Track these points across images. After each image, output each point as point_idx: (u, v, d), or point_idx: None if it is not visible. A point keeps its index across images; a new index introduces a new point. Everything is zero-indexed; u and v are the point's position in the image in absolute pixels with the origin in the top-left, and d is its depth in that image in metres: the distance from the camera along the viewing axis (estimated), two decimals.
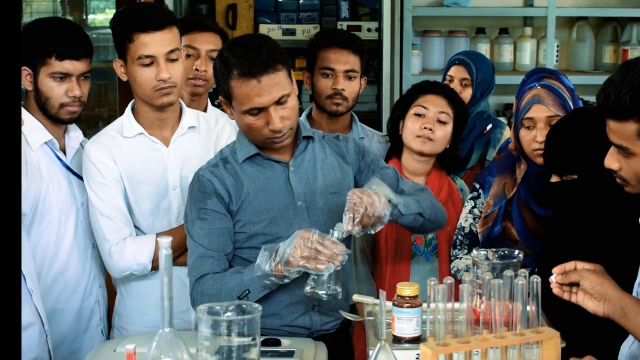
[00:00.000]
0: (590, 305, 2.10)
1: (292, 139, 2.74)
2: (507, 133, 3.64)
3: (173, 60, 2.91)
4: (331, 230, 2.51)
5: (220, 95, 2.71)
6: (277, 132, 2.62)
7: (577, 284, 2.12)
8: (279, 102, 2.60)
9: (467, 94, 3.75)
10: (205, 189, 2.66)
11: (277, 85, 2.60)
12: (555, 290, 2.16)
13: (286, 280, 2.50)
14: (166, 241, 2.03)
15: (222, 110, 3.39)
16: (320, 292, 2.45)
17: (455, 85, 3.71)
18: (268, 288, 2.54)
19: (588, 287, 2.11)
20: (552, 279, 2.16)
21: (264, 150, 2.70)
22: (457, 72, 3.82)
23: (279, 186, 2.70)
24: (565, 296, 2.14)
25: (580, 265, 2.13)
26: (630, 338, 2.16)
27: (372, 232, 2.55)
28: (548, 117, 2.87)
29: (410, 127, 3.16)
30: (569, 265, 2.15)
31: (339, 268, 2.43)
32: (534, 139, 2.89)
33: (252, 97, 2.58)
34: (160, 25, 2.88)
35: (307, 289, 2.47)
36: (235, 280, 2.59)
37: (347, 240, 2.59)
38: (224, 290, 2.58)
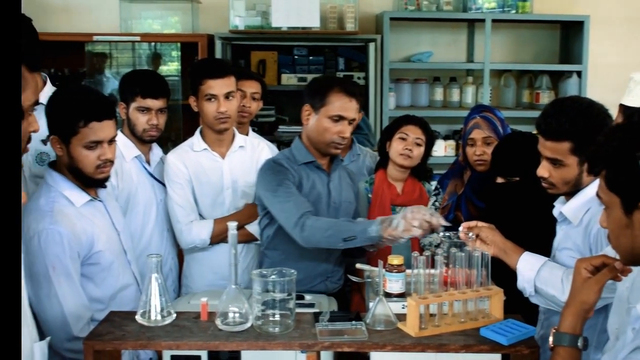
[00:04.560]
0: (484, 248, 2.19)
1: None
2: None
3: (229, 99, 2.92)
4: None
5: (307, 104, 2.64)
6: (344, 139, 2.63)
7: (477, 236, 2.24)
8: (353, 122, 2.65)
9: None
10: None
11: (356, 109, 2.65)
12: (462, 236, 2.24)
13: (388, 243, 2.43)
14: (233, 224, 2.05)
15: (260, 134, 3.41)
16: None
17: None
18: (369, 241, 2.42)
19: (483, 236, 2.22)
20: (460, 229, 2.25)
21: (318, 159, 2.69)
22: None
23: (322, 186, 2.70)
24: (469, 242, 2.22)
25: (481, 223, 2.24)
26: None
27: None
28: (484, 138, 2.87)
29: (395, 147, 3.11)
30: (472, 223, 2.25)
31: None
32: (474, 153, 2.89)
33: (343, 108, 2.59)
34: (221, 74, 2.90)
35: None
36: (347, 226, 2.44)
37: None
38: (334, 227, 2.44)
